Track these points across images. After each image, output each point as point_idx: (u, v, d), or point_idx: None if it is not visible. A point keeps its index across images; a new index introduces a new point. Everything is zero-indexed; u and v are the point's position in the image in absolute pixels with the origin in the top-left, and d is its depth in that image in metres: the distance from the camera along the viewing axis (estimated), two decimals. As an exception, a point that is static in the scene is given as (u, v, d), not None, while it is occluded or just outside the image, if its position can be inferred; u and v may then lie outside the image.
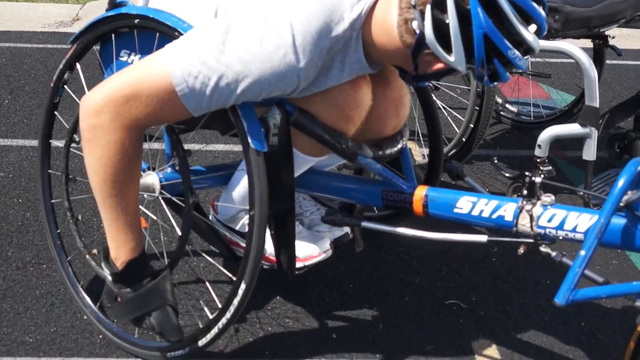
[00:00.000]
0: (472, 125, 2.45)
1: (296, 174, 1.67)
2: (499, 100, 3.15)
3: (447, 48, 1.37)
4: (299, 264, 1.73)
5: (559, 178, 2.61)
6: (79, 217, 1.94)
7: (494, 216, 1.55)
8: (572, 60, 2.29)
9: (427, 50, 1.40)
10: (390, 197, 1.70)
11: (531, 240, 1.51)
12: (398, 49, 1.45)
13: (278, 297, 2.00)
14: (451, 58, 1.37)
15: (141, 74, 1.43)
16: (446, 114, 2.74)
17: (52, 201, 1.96)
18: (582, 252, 1.34)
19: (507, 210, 1.53)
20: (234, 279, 1.60)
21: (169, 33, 1.54)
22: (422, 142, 2.82)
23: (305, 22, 1.38)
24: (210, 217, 1.88)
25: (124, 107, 1.42)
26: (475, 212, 1.57)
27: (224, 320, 1.60)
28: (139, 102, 1.41)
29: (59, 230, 1.96)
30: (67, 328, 1.87)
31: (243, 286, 1.56)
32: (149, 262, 1.64)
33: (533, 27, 1.37)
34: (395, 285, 2.07)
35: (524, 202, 1.51)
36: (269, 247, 1.70)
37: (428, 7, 1.35)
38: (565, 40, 2.34)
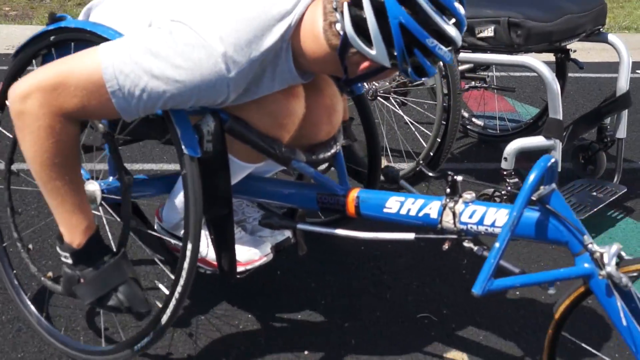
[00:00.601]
0: (439, 140, 2.48)
1: (234, 180, 1.71)
2: (466, 114, 3.19)
3: (369, 43, 1.41)
4: (240, 268, 1.77)
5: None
6: (30, 247, 1.94)
7: (421, 214, 1.61)
8: (535, 74, 2.33)
9: (352, 49, 1.44)
10: (325, 200, 1.76)
11: (455, 236, 1.56)
12: (327, 54, 1.49)
13: (249, 315, 1.99)
14: (373, 52, 1.42)
15: (73, 65, 1.44)
16: (414, 129, 2.77)
17: (4, 244, 1.95)
18: (497, 244, 1.40)
19: (432, 208, 1.59)
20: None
21: None
22: (390, 158, 2.84)
23: (236, 34, 1.41)
24: (155, 226, 1.91)
25: (51, 95, 1.42)
26: (403, 211, 1.63)
27: (176, 295, 1.59)
28: (67, 91, 1.42)
29: (15, 271, 1.95)
30: (35, 353, 1.83)
31: (181, 283, 1.57)
32: (104, 240, 1.64)
33: (452, 20, 1.42)
34: (366, 300, 2.08)
35: (447, 200, 1.57)
36: (211, 252, 1.74)
37: (345, 5, 1.41)
38: (528, 54, 2.38)
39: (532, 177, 1.40)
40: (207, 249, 1.78)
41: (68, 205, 1.53)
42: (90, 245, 1.57)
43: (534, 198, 1.43)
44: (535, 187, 1.41)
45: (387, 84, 2.67)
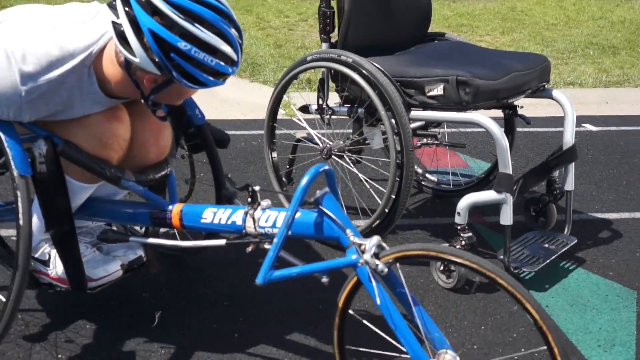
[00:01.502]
0: (394, 196, 2.51)
1: (77, 201, 1.91)
2: (419, 171, 3.25)
3: (133, 52, 1.59)
4: (91, 284, 1.95)
5: (479, 243, 2.69)
6: None
7: (229, 222, 1.80)
8: (485, 130, 2.40)
9: (134, 65, 1.62)
10: (156, 216, 1.93)
11: (257, 240, 1.74)
12: (121, 74, 1.68)
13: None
14: (137, 59, 1.59)
15: None
16: (368, 186, 2.80)
17: None
18: (275, 240, 1.62)
19: (237, 216, 1.78)
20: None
21: None
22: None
23: (39, 55, 1.62)
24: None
25: None
26: (216, 220, 1.83)
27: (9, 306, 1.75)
28: None
29: None
30: None
31: (12, 300, 1.74)
32: None
33: (214, 30, 1.58)
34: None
35: (249, 208, 1.76)
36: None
37: (111, 22, 1.61)
38: (477, 111, 2.45)
39: (304, 181, 1.60)
40: (62, 268, 1.92)
41: None
42: None
43: (310, 201, 1.65)
44: (306, 190, 1.61)
45: (342, 142, 2.71)
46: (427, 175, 3.24)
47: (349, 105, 2.68)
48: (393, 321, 1.56)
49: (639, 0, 9.08)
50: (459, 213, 2.37)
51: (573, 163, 2.69)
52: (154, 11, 1.55)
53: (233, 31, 1.62)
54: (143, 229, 2.15)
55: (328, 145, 2.71)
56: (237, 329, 2.17)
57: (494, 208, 2.42)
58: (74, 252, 1.87)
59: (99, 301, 2.25)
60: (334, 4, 2.68)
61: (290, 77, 2.73)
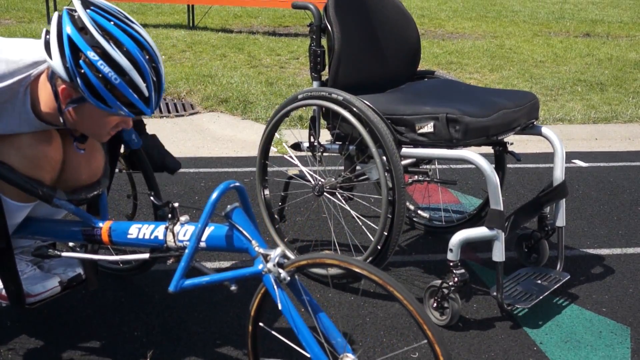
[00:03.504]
0: (386, 233, 2.51)
1: (15, 219, 1.99)
2: (411, 207, 3.25)
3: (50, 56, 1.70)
4: (30, 299, 2.03)
5: (472, 280, 2.69)
6: None
7: (152, 237, 1.90)
8: (475, 166, 2.41)
9: (56, 76, 1.73)
10: (88, 233, 2.03)
11: (177, 253, 1.85)
12: (52, 101, 1.78)
13: None
14: (52, 62, 1.69)
15: None
16: (360, 223, 2.80)
17: None
18: (186, 251, 1.74)
19: (159, 231, 1.88)
20: None
21: None
22: (339, 252, 2.86)
23: None
24: None
25: None
26: (140, 236, 1.92)
27: None
28: None
29: None
30: None
31: None
32: None
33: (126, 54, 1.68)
34: None
35: (169, 223, 1.86)
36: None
37: (44, 31, 1.72)
38: (467, 148, 2.46)
39: (213, 196, 1.70)
40: (1, 285, 2.00)
41: None
42: None
43: (223, 214, 1.74)
44: (214, 205, 1.71)
45: (333, 179, 2.71)
46: (419, 211, 3.25)
47: (340, 143, 2.69)
48: (296, 326, 1.66)
49: (624, 38, 9.23)
50: (451, 249, 2.37)
51: (564, 199, 2.70)
52: (80, 27, 1.67)
53: (148, 67, 1.71)
54: (83, 248, 2.22)
55: (320, 182, 2.72)
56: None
57: (487, 244, 2.42)
58: (11, 269, 1.95)
59: (91, 337, 2.23)
60: (324, 42, 2.71)
61: (281, 114, 2.75)
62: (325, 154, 2.73)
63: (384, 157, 2.45)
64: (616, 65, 7.29)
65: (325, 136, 2.76)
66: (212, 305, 2.48)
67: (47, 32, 1.72)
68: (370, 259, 2.56)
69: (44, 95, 1.81)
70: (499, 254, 2.36)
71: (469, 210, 3.18)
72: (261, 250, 1.69)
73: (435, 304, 2.42)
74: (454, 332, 2.36)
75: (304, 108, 2.84)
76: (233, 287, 1.72)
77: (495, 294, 2.41)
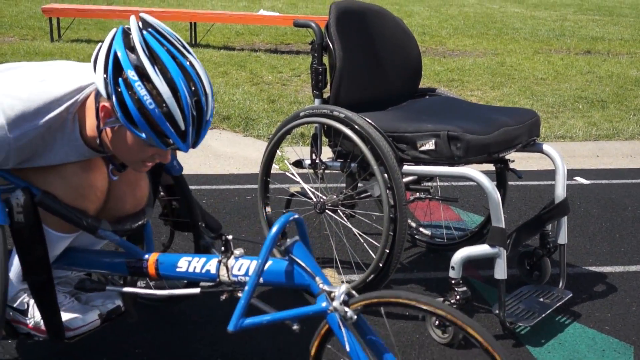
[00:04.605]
0: (387, 250, 2.50)
1: (55, 250, 1.92)
2: (413, 224, 3.25)
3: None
4: (69, 334, 1.94)
5: (474, 297, 2.68)
6: None
7: (203, 270, 1.83)
8: (477, 183, 2.41)
9: (101, 97, 1.67)
10: (132, 265, 1.96)
11: (230, 289, 1.78)
12: (94, 115, 1.71)
13: None
14: (96, 76, 1.64)
15: None
16: (362, 241, 2.79)
17: None
18: (246, 288, 1.65)
19: (212, 264, 1.81)
20: None
21: None
22: (341, 269, 2.85)
23: (26, 103, 1.66)
24: None
25: None
26: (191, 269, 1.85)
27: None
28: None
29: None
30: None
31: None
32: None
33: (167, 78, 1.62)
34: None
35: (222, 257, 1.79)
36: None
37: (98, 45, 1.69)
38: (469, 165, 2.47)
39: (273, 230, 1.64)
40: (40, 318, 1.92)
41: None
42: None
43: (282, 249, 1.67)
44: (275, 239, 1.64)
45: (335, 197, 2.72)
46: (421, 229, 3.24)
47: (342, 160, 2.70)
48: None
49: (625, 56, 9.26)
50: (453, 267, 2.36)
51: (565, 216, 2.70)
52: (131, 46, 1.62)
53: (190, 100, 1.62)
54: (122, 279, 2.16)
55: (322, 200, 2.72)
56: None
57: (489, 262, 2.41)
58: (52, 302, 1.88)
59: (93, 356, 2.22)
60: (325, 60, 2.73)
61: (283, 132, 2.75)
62: (327, 171, 2.73)
63: (386, 175, 2.46)
64: (617, 82, 7.31)
65: (327, 153, 2.76)
66: (217, 325, 2.47)
67: (100, 46, 1.68)
68: (372, 276, 2.55)
69: (90, 117, 1.75)
70: (501, 271, 2.35)
71: (471, 228, 3.17)
72: (325, 288, 1.61)
73: (437, 322, 2.41)
74: (455, 350, 2.35)
75: (305, 125, 2.85)
76: (295, 327, 1.62)
77: (497, 311, 2.40)
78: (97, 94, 1.69)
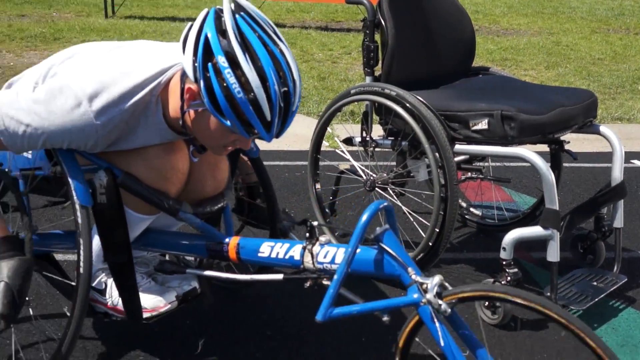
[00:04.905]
0: (437, 230, 2.49)
1: (134, 232, 1.93)
2: (464, 204, 3.22)
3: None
4: (146, 314, 1.94)
5: (525, 279, 2.64)
6: None
7: (287, 257, 1.79)
8: (531, 164, 2.36)
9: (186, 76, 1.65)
10: (213, 248, 1.94)
11: (315, 275, 1.73)
12: (179, 96, 1.70)
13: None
14: (184, 58, 1.62)
15: None
16: (412, 219, 2.78)
17: None
18: (335, 277, 1.59)
19: (295, 251, 1.77)
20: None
21: None
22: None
23: (110, 89, 1.66)
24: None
25: None
26: (273, 255, 1.82)
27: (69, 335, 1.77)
28: None
29: None
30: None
31: (72, 325, 1.76)
32: (15, 243, 1.80)
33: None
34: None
35: (307, 243, 1.75)
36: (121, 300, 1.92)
37: (189, 24, 1.66)
38: (522, 146, 2.42)
39: (364, 218, 1.59)
40: (117, 298, 1.93)
41: None
42: (1, 243, 1.77)
43: (370, 237, 1.63)
44: (366, 227, 1.60)
45: (385, 175, 2.70)
46: (472, 209, 3.21)
47: (392, 138, 2.68)
48: None
49: (688, 35, 8.94)
50: (504, 248, 2.33)
51: (622, 200, 2.63)
52: (222, 29, 1.58)
53: (278, 90, 1.59)
54: (197, 260, 2.16)
55: (371, 178, 2.71)
56: (279, 359, 2.16)
57: (540, 244, 2.37)
58: (131, 283, 1.88)
59: (147, 329, 2.27)
60: (377, 37, 2.70)
61: (334, 109, 2.75)
62: (377, 149, 2.72)
63: (437, 154, 2.43)
64: (678, 63, 7.07)
65: (377, 131, 2.75)
66: (261, 298, 2.50)
67: (191, 26, 1.65)
68: (421, 255, 2.54)
69: (173, 98, 1.73)
70: (553, 253, 2.31)
71: (523, 209, 3.13)
72: (418, 279, 1.56)
73: (486, 303, 2.39)
74: (505, 332, 2.33)
75: (356, 103, 2.84)
76: (385, 318, 1.59)
77: (548, 294, 2.36)
78: (183, 75, 1.68)
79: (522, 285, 2.61)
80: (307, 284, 1.73)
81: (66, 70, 1.75)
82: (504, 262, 2.34)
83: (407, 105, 2.48)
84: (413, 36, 2.73)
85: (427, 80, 2.77)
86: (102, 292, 1.98)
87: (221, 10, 1.61)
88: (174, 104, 1.73)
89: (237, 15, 1.60)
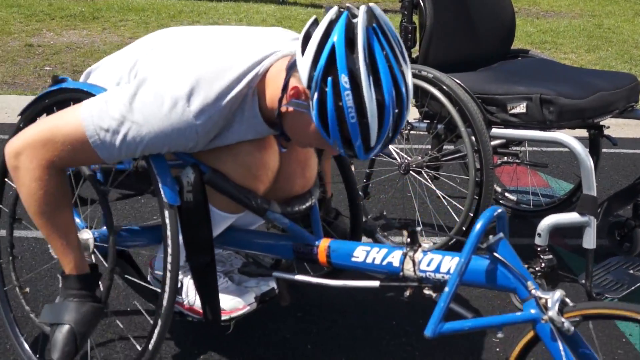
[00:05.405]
0: (471, 214, 2.47)
1: (217, 230, 1.83)
2: (498, 189, 3.18)
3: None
4: (224, 316, 1.85)
5: (560, 266, 2.61)
6: (27, 290, 2.11)
7: (384, 263, 1.69)
8: (569, 150, 2.33)
9: (295, 71, 1.56)
10: (300, 250, 1.85)
11: (416, 284, 1.64)
12: (279, 87, 1.60)
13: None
14: (302, 60, 1.52)
15: (58, 123, 1.62)
16: (446, 203, 2.76)
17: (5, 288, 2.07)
18: (446, 289, 1.50)
19: (395, 257, 1.67)
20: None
21: None
22: (423, 232, 2.83)
23: (207, 87, 1.57)
24: (148, 277, 2.00)
25: (40, 151, 1.60)
26: (369, 260, 1.72)
27: (153, 339, 1.69)
28: (54, 146, 1.60)
29: (13, 314, 2.05)
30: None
31: (157, 329, 1.67)
32: (92, 283, 1.76)
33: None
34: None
35: (408, 249, 1.66)
36: (198, 301, 1.85)
37: (311, 21, 1.56)
38: (561, 130, 2.39)
39: (478, 226, 1.50)
40: (194, 298, 1.88)
41: (57, 245, 1.71)
42: (70, 281, 1.72)
43: (483, 247, 1.53)
44: (481, 235, 1.51)
45: (420, 158, 2.69)
46: (507, 194, 3.18)
47: (428, 121, 2.66)
48: None
49: None
50: (539, 234, 2.31)
51: (662, 187, 2.58)
52: (350, 38, 1.49)
53: (392, 119, 1.52)
54: (274, 261, 2.10)
55: (406, 161, 2.70)
56: (310, 340, 2.17)
57: (576, 231, 2.34)
58: (212, 283, 1.81)
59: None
60: (415, 19, 2.67)
61: (370, 91, 2.73)
62: (412, 132, 2.70)
63: (473, 137, 2.41)
64: None
65: (413, 114, 2.73)
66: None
67: (315, 22, 1.55)
68: (455, 240, 2.53)
69: (271, 89, 1.63)
70: (590, 240, 2.28)
71: (559, 195, 3.09)
72: (538, 293, 1.46)
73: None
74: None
75: (392, 85, 2.82)
76: (500, 335, 1.50)
77: (583, 281, 2.33)
78: (291, 68, 1.59)
79: (557, 273, 2.58)
80: (407, 293, 1.64)
81: (154, 67, 1.66)
82: (539, 249, 2.31)
83: (444, 87, 2.46)
84: (452, 17, 2.70)
85: (465, 63, 2.74)
86: (178, 291, 1.89)
87: (353, 15, 1.51)
88: (271, 95, 1.64)
89: (369, 27, 1.50)
